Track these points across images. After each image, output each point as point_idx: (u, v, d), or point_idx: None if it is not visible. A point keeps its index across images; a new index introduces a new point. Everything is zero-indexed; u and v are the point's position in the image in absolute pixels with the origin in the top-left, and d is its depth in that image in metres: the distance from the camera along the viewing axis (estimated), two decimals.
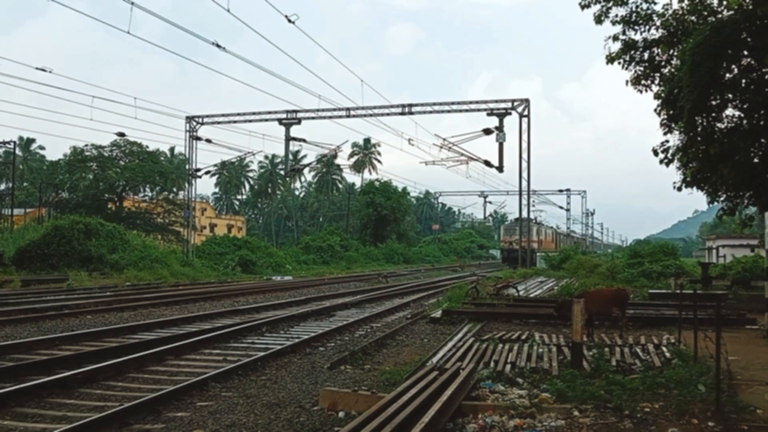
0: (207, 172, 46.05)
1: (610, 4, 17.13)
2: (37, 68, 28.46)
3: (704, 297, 17.14)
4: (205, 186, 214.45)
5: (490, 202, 57.90)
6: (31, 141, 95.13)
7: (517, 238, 54.50)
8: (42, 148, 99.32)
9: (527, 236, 51.11)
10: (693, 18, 16.43)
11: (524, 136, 39.09)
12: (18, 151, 77.99)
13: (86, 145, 69.43)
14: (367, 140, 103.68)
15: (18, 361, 10.70)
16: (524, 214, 44.06)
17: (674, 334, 13.34)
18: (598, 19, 17.39)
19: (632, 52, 17.49)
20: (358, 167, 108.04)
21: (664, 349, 11.93)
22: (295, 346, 12.69)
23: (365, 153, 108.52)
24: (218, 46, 25.59)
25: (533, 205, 59.39)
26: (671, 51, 16.84)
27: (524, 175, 39.83)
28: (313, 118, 40.54)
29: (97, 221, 39.66)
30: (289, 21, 23.38)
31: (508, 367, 10.27)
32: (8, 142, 57.25)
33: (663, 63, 17.45)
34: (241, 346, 13.13)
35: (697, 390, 8.30)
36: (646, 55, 17.48)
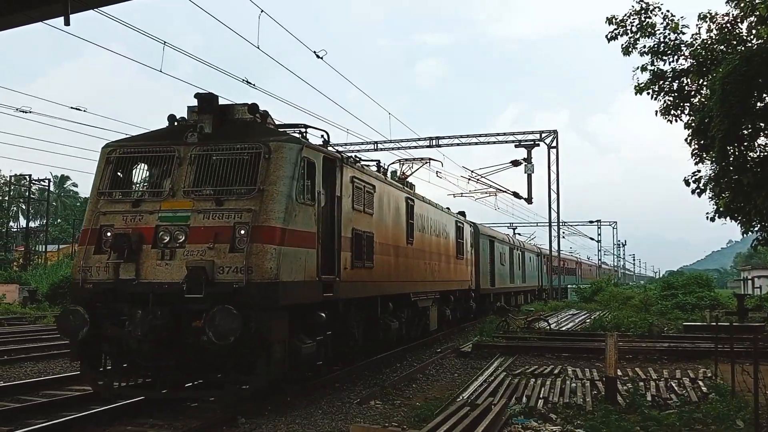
0: None
1: (638, 35, 17.12)
2: (72, 107, 28.97)
3: (740, 329, 16.81)
4: None
5: (519, 234, 57.68)
6: (65, 178, 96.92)
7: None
8: (75, 185, 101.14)
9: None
10: (722, 47, 16.34)
11: (553, 168, 38.94)
12: (52, 188, 79.47)
13: None
14: (393, 173, 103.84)
15: (51, 397, 10.78)
16: (554, 246, 42.59)
17: (710, 367, 13.07)
18: (626, 51, 17.35)
19: (661, 82, 17.41)
20: None
21: (701, 383, 11.67)
22: (324, 381, 12.60)
23: None
24: (248, 82, 25.89)
25: (563, 237, 58.15)
26: (701, 80, 16.72)
27: (554, 206, 39.54)
28: (341, 152, 40.78)
29: None
30: (318, 56, 23.64)
31: (541, 402, 10.11)
32: (43, 180, 58.43)
33: (693, 93, 17.33)
34: None
35: (735, 426, 8.11)
36: (675, 85, 17.39)
